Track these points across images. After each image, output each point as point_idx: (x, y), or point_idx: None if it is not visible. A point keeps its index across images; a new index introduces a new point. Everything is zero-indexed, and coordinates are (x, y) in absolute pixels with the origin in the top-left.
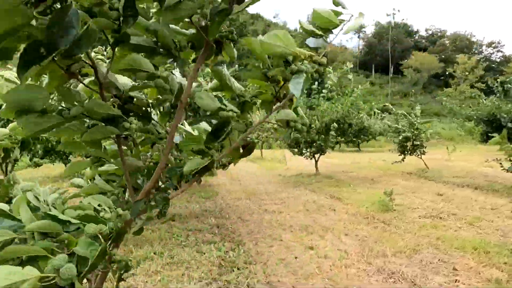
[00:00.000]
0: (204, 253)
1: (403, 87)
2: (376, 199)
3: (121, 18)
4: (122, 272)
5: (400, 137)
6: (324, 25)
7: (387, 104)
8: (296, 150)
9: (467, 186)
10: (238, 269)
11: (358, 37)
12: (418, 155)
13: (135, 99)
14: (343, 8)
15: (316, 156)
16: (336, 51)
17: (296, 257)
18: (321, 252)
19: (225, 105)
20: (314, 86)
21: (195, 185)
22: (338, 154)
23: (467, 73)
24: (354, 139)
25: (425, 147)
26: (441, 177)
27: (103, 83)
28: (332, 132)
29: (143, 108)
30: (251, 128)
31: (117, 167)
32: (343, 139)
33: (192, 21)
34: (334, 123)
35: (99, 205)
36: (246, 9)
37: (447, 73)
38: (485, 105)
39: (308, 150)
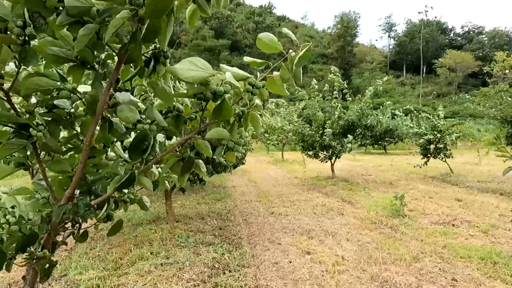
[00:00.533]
0: (200, 255)
1: (436, 87)
2: (388, 204)
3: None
4: (46, 268)
5: (421, 140)
6: (268, 51)
7: (408, 106)
8: (310, 153)
9: (492, 191)
10: (229, 271)
11: (389, 36)
12: (442, 158)
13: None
14: (291, 38)
15: (333, 159)
16: (364, 51)
17: (290, 261)
18: (317, 257)
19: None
20: (326, 89)
21: (209, 187)
22: (361, 156)
23: (506, 71)
24: (380, 141)
25: (449, 150)
26: (465, 182)
27: (8, 92)
28: (350, 136)
29: (64, 117)
30: (176, 144)
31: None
32: (367, 141)
33: (100, 38)
34: (358, 130)
35: (12, 207)
36: (273, 11)
37: (484, 71)
38: (509, 104)
39: (323, 153)
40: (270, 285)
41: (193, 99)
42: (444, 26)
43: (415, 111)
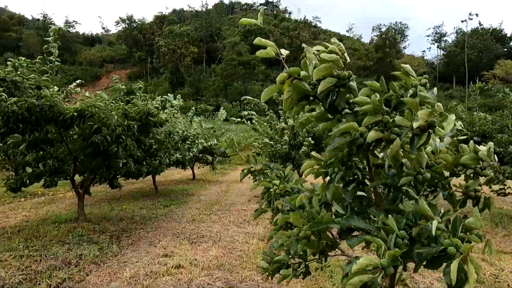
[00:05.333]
0: (71, 251)
1: (490, 100)
2: None
3: None
4: None
5: None
6: None
7: None
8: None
9: None
10: (76, 266)
11: (438, 46)
12: None
13: None
14: None
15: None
16: (408, 63)
17: (137, 261)
18: (168, 260)
19: None
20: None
21: (177, 194)
22: None
23: None
24: None
25: None
26: None
27: None
28: (304, 147)
29: None
30: None
31: None
32: None
33: None
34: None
35: None
36: (318, 25)
37: None
38: None
39: (288, 164)
40: (93, 281)
41: None
42: (501, 34)
43: None
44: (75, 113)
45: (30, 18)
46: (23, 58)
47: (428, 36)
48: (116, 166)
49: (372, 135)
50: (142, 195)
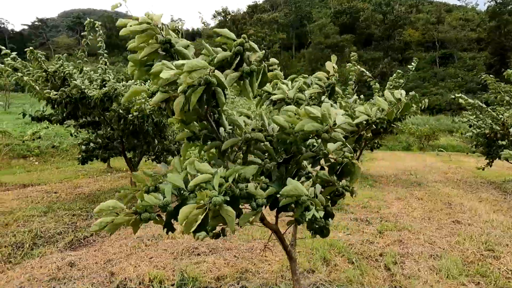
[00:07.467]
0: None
1: None
2: None
3: None
4: None
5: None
6: None
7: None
8: None
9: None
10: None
11: None
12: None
13: None
14: None
15: None
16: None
17: (154, 226)
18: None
19: None
20: None
21: None
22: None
23: None
24: None
25: None
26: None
27: None
28: None
29: None
30: None
31: None
32: None
33: None
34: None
35: None
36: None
37: None
38: None
39: None
40: (112, 237)
41: None
42: None
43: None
44: (104, 97)
45: None
46: (66, 55)
47: None
48: (154, 144)
49: (156, 97)
50: None
